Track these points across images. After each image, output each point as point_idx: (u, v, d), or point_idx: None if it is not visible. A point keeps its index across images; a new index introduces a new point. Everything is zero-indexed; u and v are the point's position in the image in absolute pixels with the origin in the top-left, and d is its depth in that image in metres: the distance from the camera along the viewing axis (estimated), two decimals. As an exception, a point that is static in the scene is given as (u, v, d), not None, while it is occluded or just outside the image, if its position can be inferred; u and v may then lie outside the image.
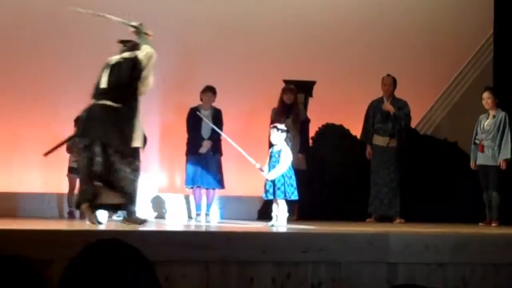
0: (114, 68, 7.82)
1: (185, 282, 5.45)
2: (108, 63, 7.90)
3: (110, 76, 7.77)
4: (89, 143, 7.59)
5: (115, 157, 7.54)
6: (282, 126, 8.49)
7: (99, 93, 7.82)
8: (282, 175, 8.20)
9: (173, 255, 5.45)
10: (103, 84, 7.79)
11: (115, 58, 7.91)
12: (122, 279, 2.12)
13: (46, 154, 8.39)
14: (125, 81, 7.70)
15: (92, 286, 2.10)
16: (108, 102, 7.71)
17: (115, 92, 7.73)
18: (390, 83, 10.76)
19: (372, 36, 12.20)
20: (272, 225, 8.15)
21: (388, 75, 10.81)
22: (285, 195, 8.17)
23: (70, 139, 8.54)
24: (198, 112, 10.23)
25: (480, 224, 9.58)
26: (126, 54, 7.90)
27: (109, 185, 7.61)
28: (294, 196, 8.24)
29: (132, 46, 7.97)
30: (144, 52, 7.80)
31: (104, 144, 7.55)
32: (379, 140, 10.74)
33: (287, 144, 8.34)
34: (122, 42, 8.10)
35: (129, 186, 7.64)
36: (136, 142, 7.63)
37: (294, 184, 8.25)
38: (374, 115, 10.79)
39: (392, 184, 10.57)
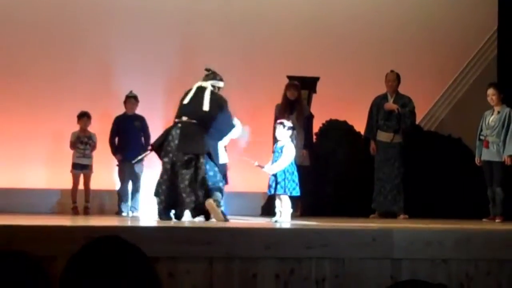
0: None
1: (189, 278, 5.45)
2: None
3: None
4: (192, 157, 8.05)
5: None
6: (288, 123, 8.47)
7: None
8: (284, 171, 8.19)
9: (177, 251, 5.45)
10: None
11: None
12: (121, 276, 2.12)
13: (135, 162, 8.85)
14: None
15: (91, 283, 2.10)
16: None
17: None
18: (394, 79, 10.75)
19: (376, 32, 12.19)
20: (276, 221, 8.15)
21: (391, 71, 10.80)
22: (285, 191, 8.17)
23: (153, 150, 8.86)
24: None
25: (484, 220, 9.57)
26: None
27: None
28: (296, 192, 8.23)
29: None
30: None
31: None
32: (383, 136, 10.73)
33: (292, 141, 8.33)
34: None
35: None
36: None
37: (296, 180, 8.24)
38: (378, 111, 10.78)
39: (396, 180, 10.57)
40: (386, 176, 10.62)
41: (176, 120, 8.35)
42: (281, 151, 8.23)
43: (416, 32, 12.30)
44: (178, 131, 8.17)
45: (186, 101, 8.48)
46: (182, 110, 8.42)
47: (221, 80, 8.64)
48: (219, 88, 8.62)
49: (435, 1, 12.45)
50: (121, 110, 10.73)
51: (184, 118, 8.29)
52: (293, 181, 8.22)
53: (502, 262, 5.97)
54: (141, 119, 10.68)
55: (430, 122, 12.31)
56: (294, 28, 12.01)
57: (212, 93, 8.45)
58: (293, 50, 11.88)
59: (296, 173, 8.27)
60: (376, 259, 5.76)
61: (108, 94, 11.44)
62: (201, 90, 8.46)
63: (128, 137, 10.51)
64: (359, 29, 12.20)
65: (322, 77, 11.56)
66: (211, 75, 8.62)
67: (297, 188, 8.25)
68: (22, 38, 11.38)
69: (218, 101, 8.40)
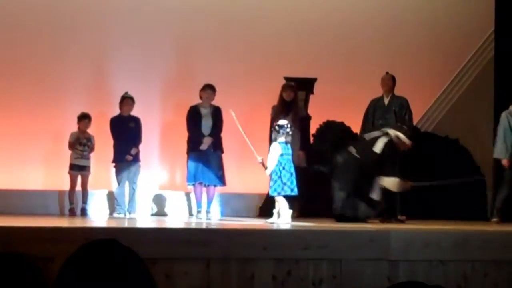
0: None
1: (186, 279, 5.45)
2: None
3: None
4: None
5: None
6: (281, 122, 8.65)
7: None
8: (275, 173, 8.33)
9: (174, 252, 5.45)
10: None
11: None
12: (116, 279, 2.12)
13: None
14: None
15: (86, 286, 2.10)
16: None
17: None
18: (389, 81, 10.73)
19: (373, 33, 12.19)
20: (272, 222, 8.18)
21: (387, 73, 10.78)
22: (275, 191, 8.35)
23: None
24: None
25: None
26: None
27: None
28: (271, 192, 8.43)
29: None
30: None
31: None
32: (380, 137, 10.72)
33: (286, 137, 8.50)
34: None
35: None
36: None
37: (279, 179, 8.36)
38: (374, 112, 10.78)
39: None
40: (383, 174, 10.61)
41: None
42: None
43: (414, 33, 12.31)
44: None
45: None
46: None
47: None
48: None
49: (432, 3, 12.45)
50: (116, 111, 10.71)
51: None
52: (279, 180, 8.38)
53: (499, 264, 5.98)
54: (136, 120, 10.66)
55: (428, 123, 12.31)
56: (291, 29, 12.01)
57: None
58: (290, 51, 11.88)
59: (285, 173, 8.39)
60: (374, 260, 5.77)
61: (105, 95, 11.44)
62: None
63: (124, 138, 10.49)
64: (357, 30, 12.20)
65: (319, 78, 11.56)
66: None
67: (284, 188, 8.37)
68: (19, 39, 11.37)
69: None
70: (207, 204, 10.35)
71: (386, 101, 10.76)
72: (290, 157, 8.68)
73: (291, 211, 8.47)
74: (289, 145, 8.72)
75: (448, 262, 5.89)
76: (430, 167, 11.28)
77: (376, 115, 10.72)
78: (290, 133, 8.72)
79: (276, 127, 8.71)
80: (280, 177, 8.44)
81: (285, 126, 8.67)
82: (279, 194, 8.44)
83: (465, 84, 12.49)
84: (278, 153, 8.49)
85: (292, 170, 8.58)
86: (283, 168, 8.47)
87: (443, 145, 11.67)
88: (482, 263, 5.95)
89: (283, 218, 8.30)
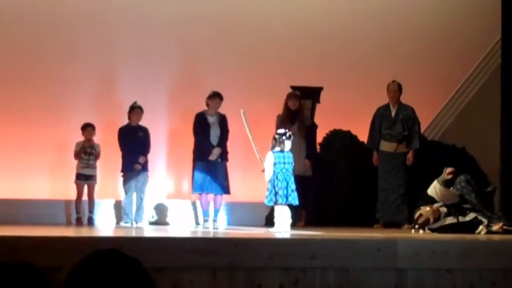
0: None
1: (193, 289, 5.44)
2: None
3: None
4: None
5: None
6: (280, 131, 8.74)
7: None
8: (270, 182, 8.41)
9: (181, 261, 5.45)
10: None
11: None
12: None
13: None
14: None
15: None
16: None
17: None
18: (396, 89, 10.74)
19: (379, 41, 12.19)
20: (274, 232, 8.24)
21: (393, 81, 10.79)
22: (270, 201, 8.43)
23: None
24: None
25: None
26: None
27: None
28: (267, 202, 8.56)
29: None
30: None
31: None
32: (387, 146, 10.72)
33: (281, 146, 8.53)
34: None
35: None
36: None
37: (272, 189, 8.42)
38: (381, 121, 10.77)
39: (400, 190, 10.55)
40: (390, 186, 10.60)
41: None
42: None
43: (420, 41, 12.30)
44: None
45: None
46: None
47: None
48: None
49: (439, 10, 12.44)
50: (124, 120, 10.72)
51: None
52: (270, 191, 8.52)
53: (507, 272, 5.96)
54: (145, 130, 10.67)
55: (434, 132, 12.29)
56: (297, 38, 12.01)
57: None
58: (297, 59, 11.88)
59: (276, 182, 8.45)
60: (381, 269, 5.75)
61: (111, 105, 11.45)
62: None
63: (133, 148, 10.49)
64: (363, 39, 12.19)
65: (326, 87, 11.56)
66: None
67: (273, 199, 8.47)
68: (25, 48, 11.39)
69: None
70: (214, 213, 10.35)
71: (393, 111, 10.76)
72: (288, 166, 8.64)
73: (290, 220, 8.48)
74: (286, 154, 8.68)
75: (455, 270, 5.87)
76: (437, 176, 11.26)
77: (383, 125, 10.72)
78: (289, 141, 8.71)
79: (276, 136, 8.74)
80: (273, 186, 8.48)
81: (283, 134, 8.70)
82: (274, 203, 8.49)
83: (472, 92, 12.46)
84: (271, 163, 8.52)
85: (288, 178, 8.57)
86: (276, 178, 8.50)
87: (450, 153, 11.65)
88: (490, 272, 5.93)
89: (276, 227, 8.34)
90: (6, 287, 2.23)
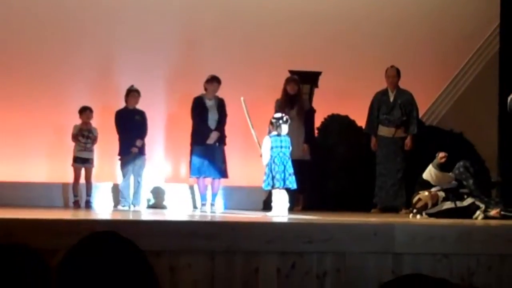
0: None
1: (190, 272, 5.45)
2: None
3: None
4: None
5: None
6: (276, 115, 8.75)
7: None
8: (267, 166, 8.43)
9: (178, 245, 5.46)
10: None
11: None
12: (115, 271, 2.11)
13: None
14: None
15: (86, 279, 2.10)
16: None
17: None
18: (394, 74, 10.73)
19: (377, 26, 12.17)
20: (271, 216, 8.27)
21: (391, 66, 10.78)
22: (268, 185, 8.46)
23: None
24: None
25: None
26: None
27: None
28: (264, 186, 8.58)
29: None
30: None
31: None
32: (385, 131, 10.72)
33: (278, 130, 8.55)
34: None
35: None
36: None
37: (274, 173, 8.45)
38: (379, 106, 10.77)
39: (398, 175, 10.56)
40: (387, 171, 10.61)
41: None
42: None
43: (418, 27, 12.28)
44: None
45: None
46: None
47: None
48: None
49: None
50: (121, 104, 10.71)
51: None
52: (267, 175, 8.53)
53: (504, 257, 5.98)
54: (142, 114, 10.66)
55: (432, 117, 12.29)
56: (295, 22, 11.99)
57: None
58: (295, 44, 11.86)
59: (273, 166, 8.47)
60: (378, 254, 5.77)
61: (109, 88, 11.44)
62: None
63: (130, 131, 10.49)
64: (361, 23, 12.17)
65: (324, 71, 11.55)
66: None
67: (271, 182, 8.49)
68: (23, 32, 11.37)
69: None
70: (212, 197, 10.35)
71: (391, 96, 10.76)
72: (285, 150, 8.64)
73: (288, 204, 8.49)
74: (283, 138, 8.68)
75: (452, 255, 5.89)
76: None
77: (381, 110, 10.72)
78: (286, 125, 8.70)
79: (272, 120, 8.74)
80: (271, 170, 8.49)
81: (280, 118, 8.69)
82: (272, 187, 8.51)
83: (470, 78, 12.46)
84: (268, 147, 8.53)
85: (286, 162, 8.57)
86: (273, 162, 8.51)
87: (447, 139, 11.65)
88: (486, 257, 5.94)
89: (274, 211, 8.35)
90: (2, 269, 2.23)
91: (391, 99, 10.74)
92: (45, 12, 11.43)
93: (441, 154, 9.11)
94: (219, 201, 10.83)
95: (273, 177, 8.43)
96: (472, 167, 9.19)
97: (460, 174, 9.08)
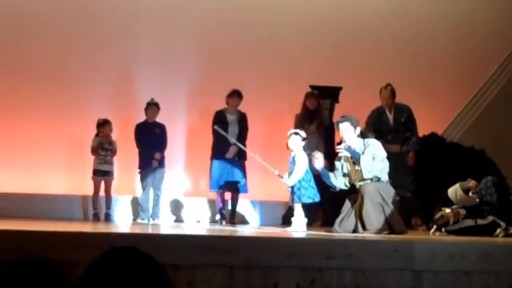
0: None
1: (209, 286, 5.43)
2: None
3: None
4: None
5: None
6: (303, 133, 8.50)
7: None
8: (299, 180, 8.22)
9: (197, 259, 5.44)
10: None
11: None
12: (134, 286, 2.11)
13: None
14: None
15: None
16: None
17: None
18: (389, 96, 10.54)
19: (399, 42, 12.15)
20: (291, 231, 8.18)
21: (385, 87, 10.56)
22: (300, 200, 8.21)
23: None
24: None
25: None
26: None
27: None
28: (305, 199, 8.22)
29: None
30: None
31: None
32: (392, 148, 10.63)
33: (305, 150, 8.35)
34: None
35: None
36: None
37: (310, 187, 8.24)
38: (379, 128, 10.56)
39: (411, 187, 10.48)
40: (400, 184, 10.55)
41: None
42: (294, 161, 8.26)
43: (441, 42, 12.25)
44: None
45: None
46: None
47: None
48: None
49: (461, 13, 12.39)
50: (141, 117, 10.74)
51: None
52: (312, 187, 8.23)
53: (525, 276, 5.92)
54: (162, 127, 10.68)
55: (454, 133, 12.24)
56: (317, 38, 12.00)
57: None
58: (316, 59, 11.87)
59: (310, 180, 8.26)
60: (398, 271, 5.72)
61: (129, 102, 11.49)
62: None
63: (149, 144, 10.51)
64: (383, 40, 12.16)
65: (345, 87, 11.53)
66: None
67: (306, 196, 8.23)
68: (44, 46, 11.44)
69: None
70: (231, 211, 10.35)
71: (390, 117, 10.60)
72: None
73: (306, 219, 8.41)
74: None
75: (472, 273, 5.84)
76: (456, 177, 11.21)
77: (382, 131, 10.52)
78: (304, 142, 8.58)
79: (302, 138, 8.50)
80: (302, 185, 8.35)
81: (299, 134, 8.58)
82: (300, 201, 8.35)
83: (492, 94, 12.41)
84: (306, 162, 8.37)
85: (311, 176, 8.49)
86: (306, 175, 8.38)
87: (468, 155, 11.59)
88: (507, 275, 5.89)
89: (295, 226, 8.28)
90: (24, 282, 2.23)
91: (391, 120, 10.59)
92: (68, 27, 11.50)
93: (473, 182, 9.07)
94: (239, 216, 10.81)
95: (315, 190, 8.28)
96: (498, 183, 9.15)
97: (487, 188, 9.01)
